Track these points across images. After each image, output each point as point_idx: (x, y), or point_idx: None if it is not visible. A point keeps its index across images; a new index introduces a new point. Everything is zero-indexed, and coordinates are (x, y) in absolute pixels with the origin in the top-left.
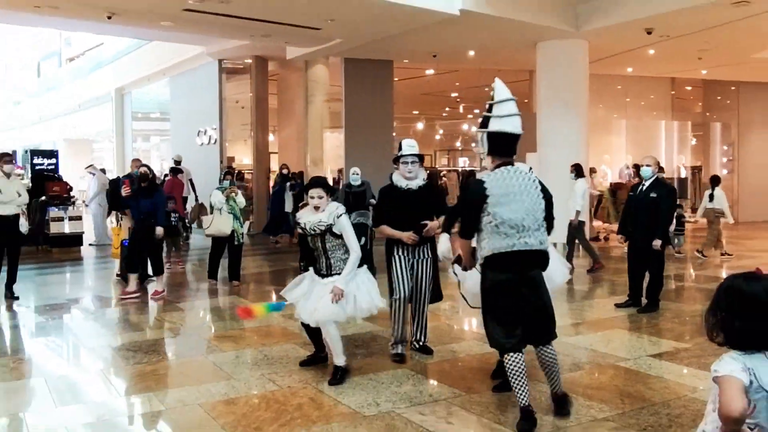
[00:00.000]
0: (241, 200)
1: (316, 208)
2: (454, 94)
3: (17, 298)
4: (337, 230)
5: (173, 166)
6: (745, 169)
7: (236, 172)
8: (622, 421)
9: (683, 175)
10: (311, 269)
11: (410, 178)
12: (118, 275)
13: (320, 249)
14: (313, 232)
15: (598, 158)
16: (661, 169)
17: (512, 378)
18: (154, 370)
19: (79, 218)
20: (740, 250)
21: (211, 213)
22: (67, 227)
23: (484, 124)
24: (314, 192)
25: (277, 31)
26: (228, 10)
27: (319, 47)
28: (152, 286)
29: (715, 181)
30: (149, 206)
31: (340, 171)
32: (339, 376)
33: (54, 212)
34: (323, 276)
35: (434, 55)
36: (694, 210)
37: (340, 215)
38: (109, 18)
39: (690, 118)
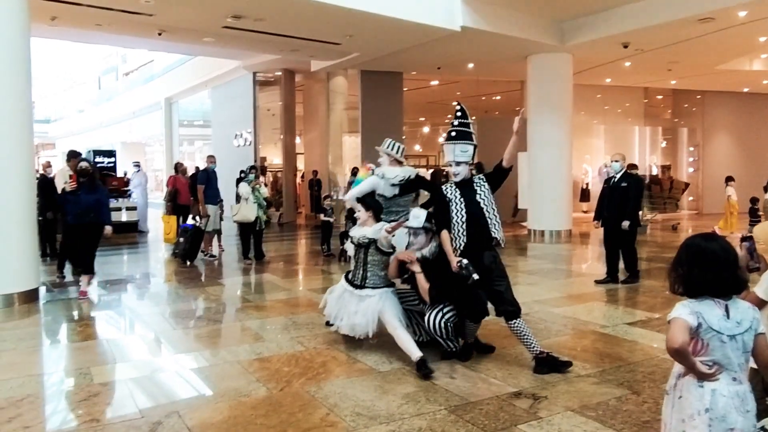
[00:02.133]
0: (264, 191)
1: (357, 219)
2: (455, 103)
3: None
4: (381, 245)
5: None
6: (709, 168)
7: (260, 167)
8: (602, 377)
9: (654, 173)
10: (343, 277)
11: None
12: (175, 254)
13: (361, 260)
14: (358, 244)
15: (581, 159)
16: (634, 166)
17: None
18: (199, 334)
19: (134, 208)
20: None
21: (238, 203)
22: (124, 216)
23: (470, 136)
24: (357, 206)
25: (303, 46)
26: (261, 27)
27: (339, 60)
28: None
29: None
30: (91, 202)
31: (353, 170)
32: (426, 367)
33: (113, 203)
34: (356, 287)
35: (438, 67)
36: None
37: (381, 229)
38: (160, 34)
39: (660, 123)
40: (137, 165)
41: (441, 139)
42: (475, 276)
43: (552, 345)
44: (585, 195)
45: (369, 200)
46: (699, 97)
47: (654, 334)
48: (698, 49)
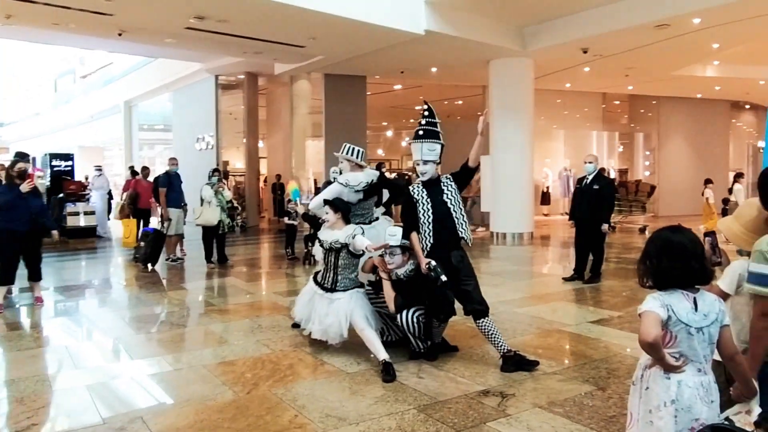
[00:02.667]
0: (227, 194)
1: (326, 221)
2: (418, 107)
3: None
4: (354, 249)
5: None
6: (664, 171)
7: (222, 171)
8: (567, 374)
9: (612, 176)
10: (311, 279)
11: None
12: (136, 258)
13: (331, 264)
14: (329, 248)
15: (541, 162)
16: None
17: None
18: (162, 339)
19: (93, 213)
20: None
21: (201, 206)
22: (82, 221)
23: (438, 135)
24: (324, 208)
25: (267, 49)
26: (225, 29)
27: (302, 63)
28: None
29: (738, 176)
30: (39, 206)
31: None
32: (391, 372)
33: (70, 207)
34: (326, 290)
35: (402, 72)
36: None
37: (355, 235)
38: (120, 35)
39: (617, 128)
40: (99, 169)
41: (408, 139)
42: (443, 278)
43: (518, 344)
44: (545, 198)
45: (337, 202)
46: (654, 102)
47: (616, 331)
48: (655, 55)
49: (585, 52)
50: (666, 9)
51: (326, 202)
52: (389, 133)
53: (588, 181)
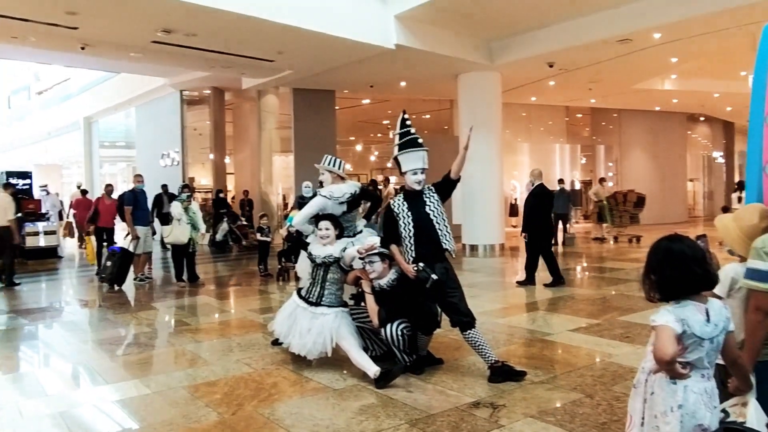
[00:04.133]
0: (195, 210)
1: (323, 237)
2: (386, 122)
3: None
4: (344, 263)
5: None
6: (626, 183)
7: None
8: (555, 383)
9: (577, 187)
10: (295, 293)
11: None
12: (102, 278)
13: (319, 278)
14: (320, 263)
15: (509, 174)
16: (561, 181)
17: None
18: (135, 361)
19: (53, 233)
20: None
21: (170, 224)
22: (42, 241)
23: (422, 144)
24: (324, 225)
25: (235, 63)
26: (192, 43)
27: (271, 78)
28: None
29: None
30: None
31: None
32: (384, 380)
33: (30, 227)
34: (311, 304)
35: (371, 86)
36: (585, 216)
37: (345, 249)
38: (83, 48)
39: (580, 141)
40: (44, 188)
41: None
42: (434, 276)
43: (502, 354)
44: (514, 210)
45: (333, 219)
46: (615, 115)
47: (597, 338)
48: (617, 68)
49: (551, 66)
50: (628, 24)
51: (325, 217)
52: (358, 148)
53: (529, 195)
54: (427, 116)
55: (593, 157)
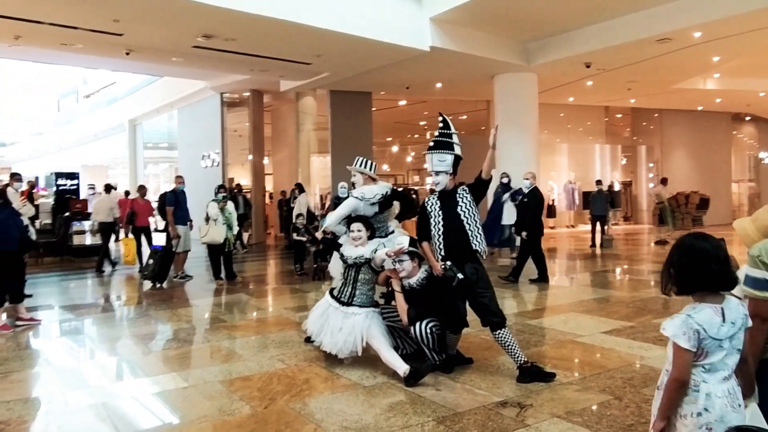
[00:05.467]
0: (231, 210)
1: (355, 239)
2: (422, 123)
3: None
4: (375, 264)
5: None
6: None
7: (229, 188)
8: (584, 384)
9: (617, 188)
10: (327, 294)
11: None
12: (144, 276)
13: (351, 278)
14: (352, 264)
15: (546, 175)
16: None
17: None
18: (175, 356)
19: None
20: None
21: (207, 224)
22: (88, 239)
23: (450, 146)
24: (356, 226)
25: (273, 66)
26: (232, 47)
27: (309, 80)
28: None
29: None
30: (24, 224)
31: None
32: (414, 378)
33: (76, 226)
34: (342, 303)
35: (407, 87)
36: (626, 218)
37: (376, 250)
38: (128, 54)
39: (620, 141)
40: (92, 188)
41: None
42: (460, 275)
43: (532, 355)
44: (551, 211)
45: (365, 221)
46: (656, 115)
47: (629, 341)
48: (656, 68)
49: (588, 66)
50: (667, 23)
51: (357, 219)
52: (395, 149)
53: (523, 196)
54: (464, 117)
55: (634, 157)
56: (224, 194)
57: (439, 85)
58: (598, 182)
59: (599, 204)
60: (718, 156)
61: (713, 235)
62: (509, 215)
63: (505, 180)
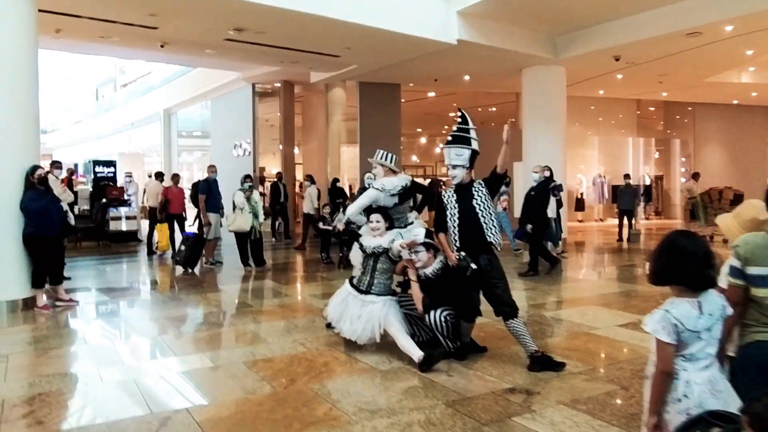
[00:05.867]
0: (256, 199)
1: (374, 230)
2: (451, 114)
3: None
4: (392, 254)
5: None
6: (701, 177)
7: (258, 177)
8: (592, 375)
9: (648, 183)
10: (347, 282)
11: None
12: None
13: (370, 267)
14: (370, 253)
15: (575, 169)
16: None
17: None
18: (203, 337)
19: (134, 218)
20: None
21: (233, 212)
22: (124, 225)
23: (467, 141)
24: (374, 217)
25: (303, 58)
26: (262, 40)
27: (338, 72)
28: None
29: None
30: (63, 210)
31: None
32: (427, 364)
33: (113, 212)
34: (361, 292)
35: (435, 79)
36: (657, 212)
37: (394, 240)
38: (162, 46)
39: (653, 134)
40: (129, 176)
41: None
42: (473, 266)
43: (545, 345)
44: (580, 204)
45: (384, 212)
46: (690, 109)
47: (643, 335)
48: (687, 62)
49: (617, 59)
50: (697, 17)
51: (376, 210)
52: (423, 140)
53: (531, 189)
54: (493, 109)
55: (667, 150)
56: (250, 184)
57: (467, 77)
58: (626, 176)
59: (627, 198)
60: (753, 151)
61: (699, 234)
62: (550, 210)
63: (546, 173)
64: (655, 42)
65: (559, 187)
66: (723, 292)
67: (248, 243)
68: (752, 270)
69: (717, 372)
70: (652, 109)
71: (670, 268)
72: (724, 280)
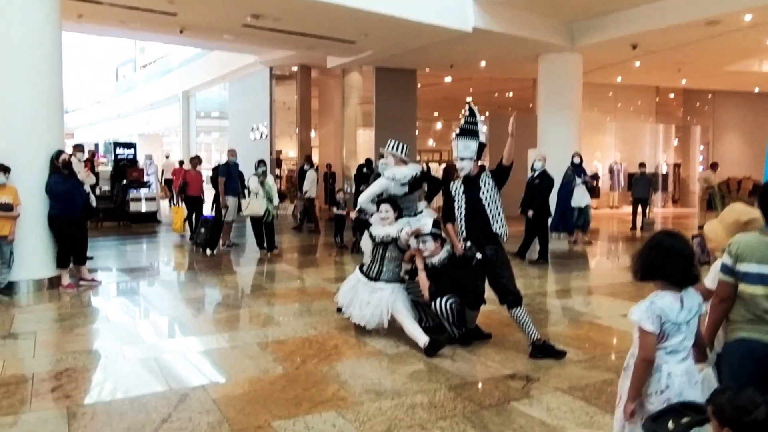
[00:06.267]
0: (270, 184)
1: (383, 219)
2: (468, 99)
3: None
4: (401, 243)
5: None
6: (720, 166)
7: (275, 160)
8: (592, 363)
9: (664, 171)
10: (357, 269)
11: None
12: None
13: (379, 255)
14: (379, 242)
15: (591, 155)
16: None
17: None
18: (219, 319)
19: (154, 199)
20: None
21: (247, 197)
22: (144, 206)
23: (475, 134)
24: (384, 207)
25: (319, 44)
26: (279, 26)
27: (354, 57)
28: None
29: None
30: (85, 193)
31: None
32: (433, 349)
33: (133, 194)
34: (370, 279)
35: (451, 65)
36: (674, 200)
37: (402, 230)
38: (181, 32)
39: (672, 121)
40: (149, 158)
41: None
42: (479, 255)
43: (549, 333)
44: (594, 191)
45: (393, 202)
46: (710, 96)
47: None
48: (706, 50)
49: (634, 48)
50: (716, 6)
51: (386, 200)
52: (439, 125)
53: (534, 176)
54: (510, 94)
55: (686, 138)
56: (263, 169)
57: (483, 63)
58: (641, 165)
59: (642, 187)
60: None
61: (683, 234)
62: (581, 197)
63: (576, 160)
64: (673, 30)
65: (595, 176)
66: (710, 293)
67: (262, 227)
68: (742, 267)
69: (692, 364)
70: (672, 96)
71: (657, 265)
72: (712, 280)
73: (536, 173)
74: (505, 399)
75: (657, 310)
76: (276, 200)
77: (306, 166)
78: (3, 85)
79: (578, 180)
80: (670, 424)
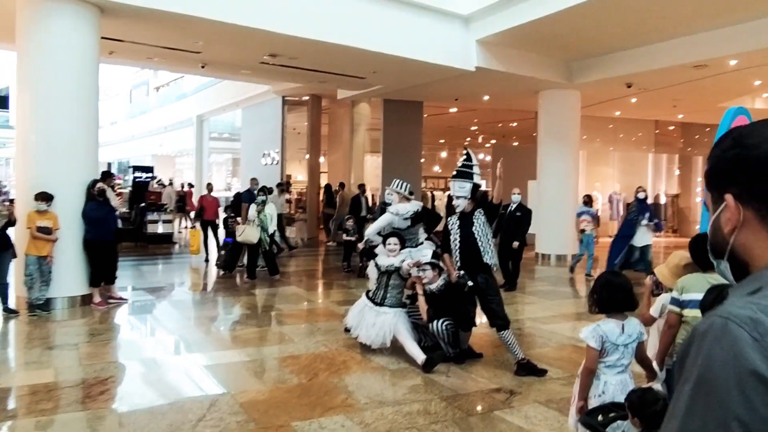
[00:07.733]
0: (268, 213)
1: (391, 251)
2: (473, 128)
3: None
4: (402, 272)
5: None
6: None
7: (285, 183)
8: (570, 380)
9: (662, 201)
10: (364, 295)
11: None
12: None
13: (383, 282)
14: (384, 271)
15: (591, 186)
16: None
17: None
18: (240, 335)
19: (170, 221)
20: None
21: (245, 224)
22: (160, 228)
23: (470, 176)
24: (392, 240)
25: (331, 79)
26: (294, 63)
27: (363, 91)
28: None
29: None
30: (116, 218)
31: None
32: (430, 366)
33: (151, 216)
34: (376, 304)
35: (456, 99)
36: (674, 230)
37: (404, 260)
38: (203, 67)
39: (674, 152)
40: (170, 183)
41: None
42: (470, 283)
43: (534, 355)
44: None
45: (399, 236)
46: (708, 129)
47: None
48: (699, 89)
49: (629, 86)
50: (702, 51)
51: (393, 234)
52: (443, 154)
53: (512, 208)
54: (514, 124)
55: (687, 168)
56: (263, 198)
57: (486, 97)
58: (638, 189)
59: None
60: None
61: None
62: (642, 237)
63: (641, 195)
64: (664, 72)
65: (659, 221)
66: (653, 319)
67: (258, 254)
68: (685, 296)
69: (628, 377)
70: (671, 128)
71: (609, 299)
72: (656, 309)
73: (515, 206)
74: (489, 409)
75: (600, 332)
76: (271, 229)
77: (277, 191)
78: (49, 123)
79: (643, 221)
80: (600, 417)
